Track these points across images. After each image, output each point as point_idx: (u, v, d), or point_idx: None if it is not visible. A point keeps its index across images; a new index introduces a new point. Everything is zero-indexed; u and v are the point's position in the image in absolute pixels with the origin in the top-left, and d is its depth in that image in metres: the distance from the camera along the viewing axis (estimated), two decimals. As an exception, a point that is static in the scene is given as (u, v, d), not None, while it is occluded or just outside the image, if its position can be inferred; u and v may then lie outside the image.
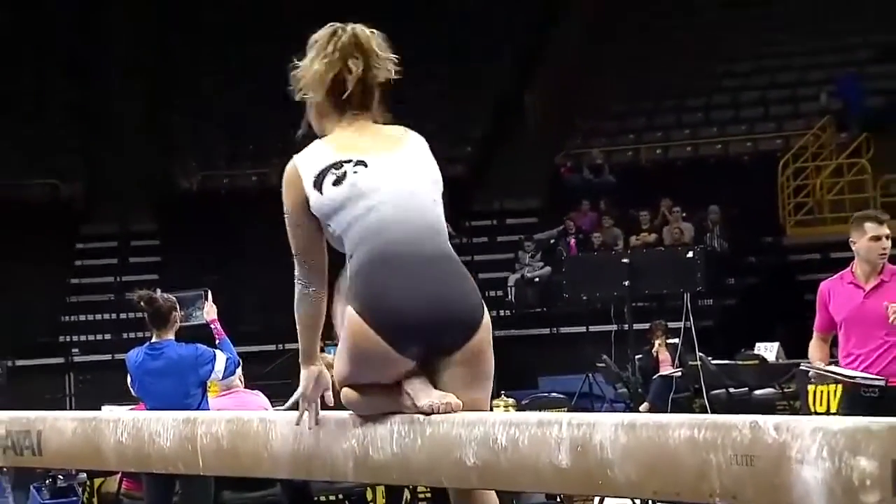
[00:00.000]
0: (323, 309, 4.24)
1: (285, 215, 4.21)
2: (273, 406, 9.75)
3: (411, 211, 4.11)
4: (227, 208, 25.31)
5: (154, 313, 8.95)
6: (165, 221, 26.33)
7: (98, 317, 24.35)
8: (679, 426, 3.35)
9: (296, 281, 4.23)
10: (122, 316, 23.09)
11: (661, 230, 22.86)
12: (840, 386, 8.06)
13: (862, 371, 7.60)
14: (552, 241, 23.88)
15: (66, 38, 28.62)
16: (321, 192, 4.10)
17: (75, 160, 27.10)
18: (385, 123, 4.27)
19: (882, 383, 7.48)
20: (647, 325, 18.74)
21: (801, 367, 7.97)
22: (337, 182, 4.09)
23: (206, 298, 10.00)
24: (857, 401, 7.60)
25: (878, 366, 7.58)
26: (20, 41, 27.75)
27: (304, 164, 4.18)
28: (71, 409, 19.63)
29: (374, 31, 4.24)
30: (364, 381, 4.13)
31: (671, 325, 18.57)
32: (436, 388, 4.07)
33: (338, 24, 4.20)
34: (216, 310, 9.64)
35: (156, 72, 28.57)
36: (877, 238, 7.67)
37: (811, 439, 3.08)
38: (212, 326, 9.50)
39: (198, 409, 8.62)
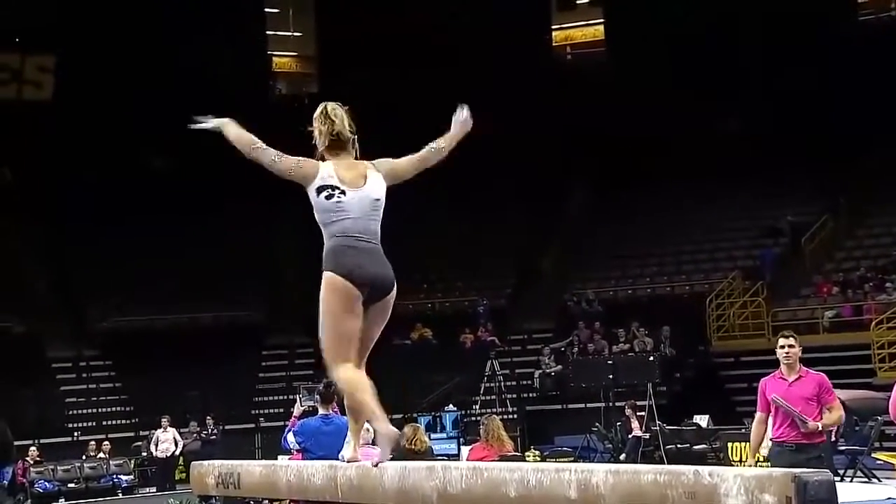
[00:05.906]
0: (247, 140, 4.36)
1: (296, 161, 4.38)
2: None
3: (363, 223, 4.34)
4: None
5: (325, 395, 8.60)
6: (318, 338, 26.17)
7: (276, 398, 24.06)
8: (647, 472, 3.26)
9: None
10: (291, 397, 22.95)
11: (633, 342, 22.46)
12: (748, 444, 7.69)
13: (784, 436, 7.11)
14: (562, 349, 23.50)
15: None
16: (317, 196, 4.35)
17: (262, 299, 27.01)
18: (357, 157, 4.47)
19: (806, 419, 7.00)
20: (623, 403, 18.48)
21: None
22: (328, 197, 4.34)
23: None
24: (780, 450, 7.15)
25: (795, 431, 7.13)
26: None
27: (321, 170, 4.38)
28: (258, 458, 19.47)
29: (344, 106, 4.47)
30: (335, 314, 4.35)
31: (639, 403, 18.39)
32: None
33: (325, 104, 4.47)
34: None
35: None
36: (782, 347, 7.36)
37: (733, 482, 3.00)
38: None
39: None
